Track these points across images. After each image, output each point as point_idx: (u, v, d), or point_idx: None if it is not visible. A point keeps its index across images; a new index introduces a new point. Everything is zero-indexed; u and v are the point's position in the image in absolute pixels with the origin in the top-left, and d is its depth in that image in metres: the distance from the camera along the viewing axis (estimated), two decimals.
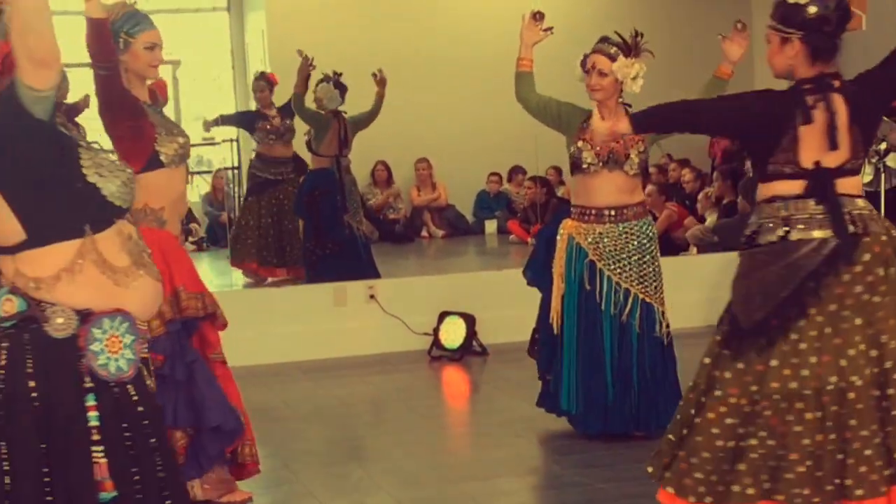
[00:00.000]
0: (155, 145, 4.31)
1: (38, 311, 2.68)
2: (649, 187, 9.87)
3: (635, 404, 5.34)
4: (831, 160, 3.55)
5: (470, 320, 7.69)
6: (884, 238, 3.58)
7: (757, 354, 3.54)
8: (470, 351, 7.66)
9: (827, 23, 3.53)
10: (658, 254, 5.43)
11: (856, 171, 3.62)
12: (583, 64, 5.34)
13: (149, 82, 4.54)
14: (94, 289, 2.70)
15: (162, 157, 4.32)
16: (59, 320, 2.68)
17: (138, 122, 4.29)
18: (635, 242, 5.34)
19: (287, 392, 6.73)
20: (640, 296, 5.31)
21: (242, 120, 9.90)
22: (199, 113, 12.50)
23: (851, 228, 3.52)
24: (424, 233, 11.90)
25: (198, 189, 14.16)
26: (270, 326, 7.60)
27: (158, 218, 4.39)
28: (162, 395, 4.14)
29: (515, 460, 5.38)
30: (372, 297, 7.97)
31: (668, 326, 5.41)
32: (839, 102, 3.54)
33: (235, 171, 12.15)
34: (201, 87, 15.03)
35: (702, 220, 9.82)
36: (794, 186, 3.58)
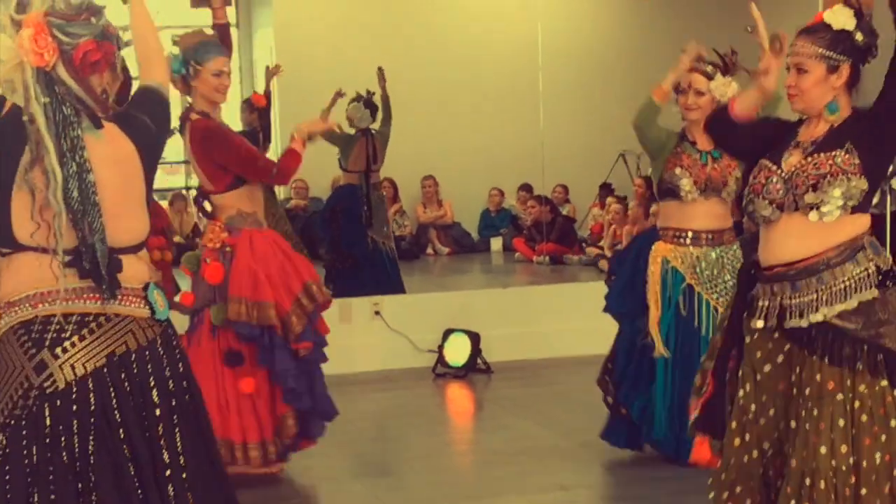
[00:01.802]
0: None
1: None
2: (655, 206, 9.88)
3: None
4: None
5: (475, 338, 7.69)
6: None
7: None
8: (474, 368, 7.66)
9: (871, 52, 3.41)
10: None
11: None
12: (676, 87, 5.19)
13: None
14: None
15: None
16: None
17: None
18: (730, 266, 5.17)
19: None
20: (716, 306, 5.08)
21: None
22: None
23: None
24: (430, 250, 11.90)
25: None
26: None
27: (256, 220, 5.00)
28: (299, 381, 5.02)
29: (519, 478, 5.38)
30: (377, 313, 7.98)
31: None
32: None
33: None
34: None
35: None
36: None
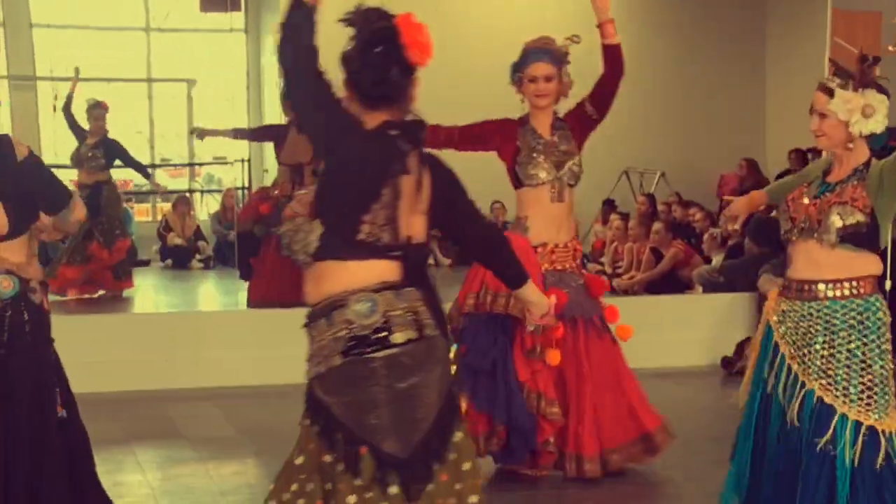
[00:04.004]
0: (528, 167, 5.11)
1: None
2: (657, 224, 9.91)
3: None
4: None
5: None
6: None
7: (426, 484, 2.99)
8: None
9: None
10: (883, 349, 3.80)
11: None
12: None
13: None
14: None
15: (526, 178, 5.12)
16: None
17: None
18: (820, 326, 3.80)
19: (292, 413, 6.61)
20: (820, 394, 3.77)
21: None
22: None
23: None
24: (431, 261, 11.94)
25: (207, 207, 14.24)
26: (277, 347, 7.58)
27: (522, 225, 5.16)
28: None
29: (513, 485, 5.38)
30: None
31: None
32: None
33: (246, 191, 12.21)
34: (216, 106, 15.13)
35: (707, 260, 9.85)
36: None
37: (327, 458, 2.89)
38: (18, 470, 3.69)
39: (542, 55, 5.11)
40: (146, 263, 11.92)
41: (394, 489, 2.85)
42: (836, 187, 3.78)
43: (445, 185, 3.05)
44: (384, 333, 2.87)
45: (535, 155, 5.13)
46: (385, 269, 2.91)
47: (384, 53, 2.92)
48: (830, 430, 3.70)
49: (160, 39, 14.06)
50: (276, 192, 8.49)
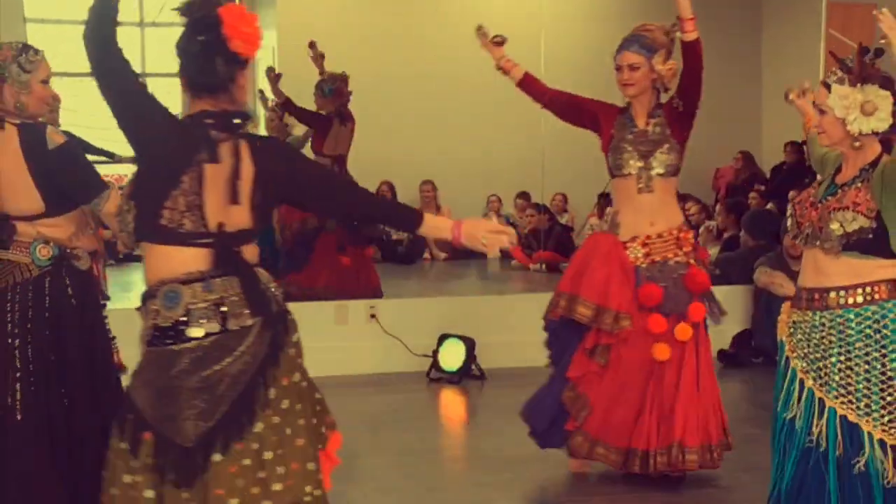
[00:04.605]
0: (616, 156, 5.16)
1: None
2: None
3: None
4: None
5: (469, 343, 7.70)
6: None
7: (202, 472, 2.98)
8: (468, 374, 7.66)
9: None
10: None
11: None
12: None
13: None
14: None
15: (615, 168, 5.17)
16: None
17: None
18: (835, 338, 3.58)
19: None
20: (843, 414, 3.54)
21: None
22: None
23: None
24: (426, 255, 11.91)
25: None
26: None
27: (613, 222, 5.24)
28: None
29: (510, 485, 5.38)
30: (373, 316, 7.99)
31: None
32: None
33: None
34: None
35: None
36: None
37: (115, 440, 3.03)
38: (78, 434, 4.01)
39: (629, 43, 5.07)
40: (138, 259, 11.88)
41: (171, 475, 2.96)
42: (841, 190, 3.57)
43: (280, 163, 3.11)
44: (183, 327, 2.98)
45: (624, 144, 5.11)
46: (194, 257, 3.01)
47: (206, 43, 2.99)
48: (866, 450, 3.45)
49: (154, 34, 14.01)
50: None
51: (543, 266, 10.45)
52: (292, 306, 3.19)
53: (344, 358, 7.78)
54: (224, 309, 3.00)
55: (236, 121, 3.04)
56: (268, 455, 3.01)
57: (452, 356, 7.70)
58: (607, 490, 5.20)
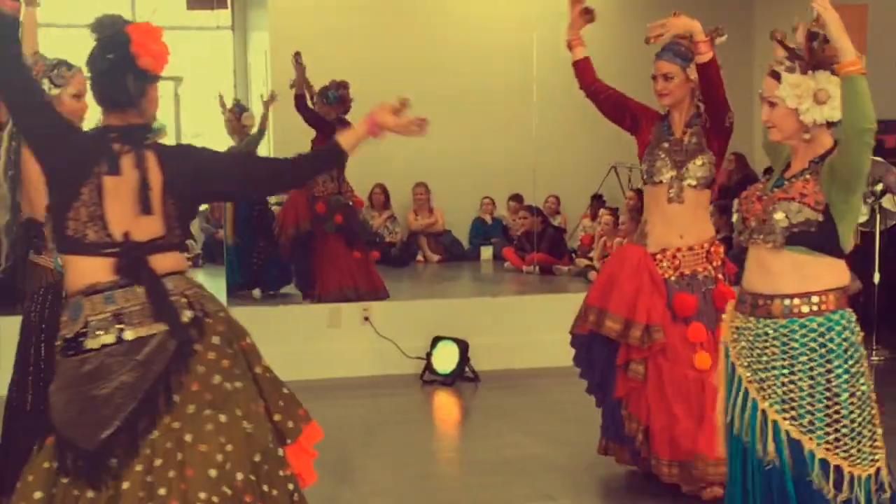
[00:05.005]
0: (650, 163, 5.04)
1: None
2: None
3: None
4: None
5: (463, 346, 7.70)
6: (222, 315, 3.38)
7: (112, 478, 3.06)
8: (462, 376, 7.67)
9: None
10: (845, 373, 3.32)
11: None
12: None
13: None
14: None
15: (647, 174, 5.05)
16: None
17: None
18: (778, 349, 3.37)
19: None
20: (787, 429, 3.33)
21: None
22: (199, 130, 12.55)
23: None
24: (420, 257, 11.91)
25: None
26: (264, 346, 7.49)
27: (642, 232, 5.10)
28: None
29: (504, 487, 5.38)
30: (366, 319, 7.99)
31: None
32: None
33: None
34: (202, 104, 15.05)
35: None
36: None
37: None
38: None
39: (664, 52, 4.99)
40: None
41: (71, 477, 3.07)
42: (788, 182, 3.38)
43: (186, 163, 3.19)
44: (82, 338, 3.10)
45: (659, 151, 5.03)
46: (101, 267, 3.11)
47: (115, 61, 3.11)
48: (815, 468, 3.23)
49: None
50: (322, 191, 8.59)
51: (536, 268, 10.45)
52: (287, 310, 3.21)
53: (337, 361, 7.79)
54: (122, 321, 3.10)
55: (141, 133, 3.17)
56: (157, 462, 3.07)
57: (446, 358, 7.71)
58: (601, 491, 5.20)
